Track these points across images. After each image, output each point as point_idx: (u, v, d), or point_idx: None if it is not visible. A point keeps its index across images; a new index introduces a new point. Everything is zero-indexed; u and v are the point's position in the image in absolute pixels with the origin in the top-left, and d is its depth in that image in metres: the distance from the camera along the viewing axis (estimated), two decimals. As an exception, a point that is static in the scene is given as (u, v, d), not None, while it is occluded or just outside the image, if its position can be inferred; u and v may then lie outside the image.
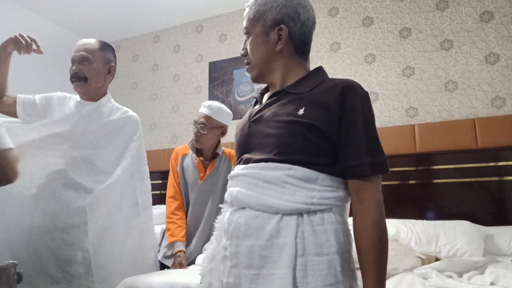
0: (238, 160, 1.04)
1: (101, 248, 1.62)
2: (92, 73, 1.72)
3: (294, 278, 0.82)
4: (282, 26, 0.99)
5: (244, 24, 1.06)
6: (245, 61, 1.07)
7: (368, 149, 0.89)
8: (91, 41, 1.75)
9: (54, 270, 1.55)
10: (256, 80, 1.07)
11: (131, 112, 1.87)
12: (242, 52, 1.07)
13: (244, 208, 0.93)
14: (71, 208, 1.59)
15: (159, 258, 2.00)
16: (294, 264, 0.83)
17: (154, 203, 3.36)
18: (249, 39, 1.04)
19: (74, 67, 1.71)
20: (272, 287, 0.84)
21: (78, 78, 1.70)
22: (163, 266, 2.00)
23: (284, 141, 0.91)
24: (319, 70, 1.05)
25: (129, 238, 1.74)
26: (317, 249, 0.84)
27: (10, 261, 0.75)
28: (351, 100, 0.90)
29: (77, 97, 1.78)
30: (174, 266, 1.92)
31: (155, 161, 3.66)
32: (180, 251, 1.94)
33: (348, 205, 0.96)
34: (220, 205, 1.08)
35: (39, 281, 1.54)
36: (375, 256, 0.84)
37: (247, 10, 1.05)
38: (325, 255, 0.84)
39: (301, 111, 0.92)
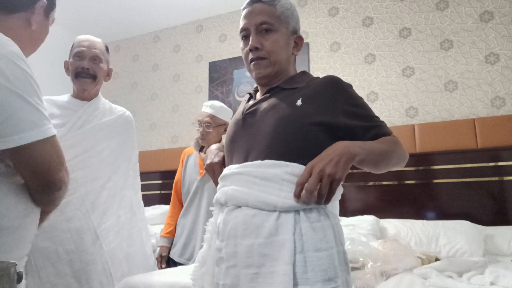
0: (229, 157, 1.04)
1: (115, 254, 1.62)
2: (101, 73, 1.70)
3: (294, 274, 0.83)
4: (302, 35, 1.10)
5: (264, 18, 1.01)
6: (256, 55, 1.02)
7: (377, 120, 0.99)
8: (99, 40, 1.72)
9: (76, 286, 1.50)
10: (266, 76, 1.04)
11: (126, 112, 1.83)
12: (258, 45, 1.01)
13: (240, 207, 0.93)
14: (80, 230, 1.54)
15: (175, 257, 2.07)
16: (293, 260, 0.84)
17: (153, 203, 3.39)
18: (272, 35, 1.02)
19: (85, 63, 1.65)
20: (273, 284, 0.84)
21: (89, 75, 1.66)
22: (175, 264, 2.06)
23: (282, 131, 0.94)
24: (306, 72, 1.13)
25: (132, 237, 1.75)
26: (316, 245, 0.85)
27: (10, 261, 0.74)
28: (342, 90, 0.98)
29: (61, 98, 1.72)
30: (157, 258, 2.08)
31: (155, 161, 3.66)
32: (161, 246, 2.14)
33: (337, 202, 0.99)
34: (211, 208, 1.07)
35: None
36: (385, 141, 0.94)
37: (264, 5, 1.02)
38: (324, 251, 0.85)
39: (299, 102, 0.96)
